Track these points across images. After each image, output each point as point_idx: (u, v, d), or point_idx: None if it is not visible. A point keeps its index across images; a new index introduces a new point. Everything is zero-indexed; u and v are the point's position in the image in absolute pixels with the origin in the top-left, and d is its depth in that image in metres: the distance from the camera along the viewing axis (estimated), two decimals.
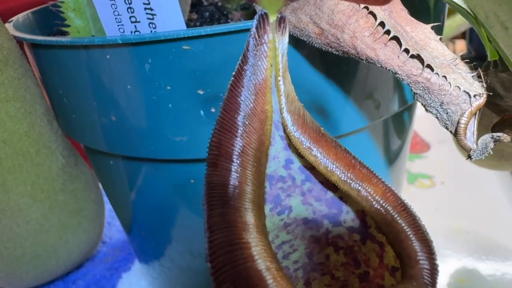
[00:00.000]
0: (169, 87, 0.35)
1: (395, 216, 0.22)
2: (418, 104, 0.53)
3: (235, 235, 0.20)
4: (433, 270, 0.21)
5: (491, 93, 0.39)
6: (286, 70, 0.23)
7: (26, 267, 0.49)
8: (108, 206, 0.68)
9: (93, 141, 0.41)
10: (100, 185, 0.54)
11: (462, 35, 0.90)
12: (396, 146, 0.50)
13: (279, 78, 0.23)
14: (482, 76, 0.28)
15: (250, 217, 0.20)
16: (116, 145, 0.40)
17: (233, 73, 0.23)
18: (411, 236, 0.22)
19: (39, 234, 0.47)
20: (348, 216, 0.26)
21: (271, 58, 0.22)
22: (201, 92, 0.35)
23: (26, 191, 0.42)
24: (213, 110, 0.36)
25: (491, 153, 0.29)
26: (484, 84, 0.28)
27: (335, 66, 0.36)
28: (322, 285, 0.28)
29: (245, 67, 0.22)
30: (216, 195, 0.21)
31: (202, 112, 0.36)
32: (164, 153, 0.39)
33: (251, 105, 0.22)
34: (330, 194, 0.26)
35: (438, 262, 0.60)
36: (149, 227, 0.50)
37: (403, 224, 0.22)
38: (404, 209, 0.23)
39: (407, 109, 0.48)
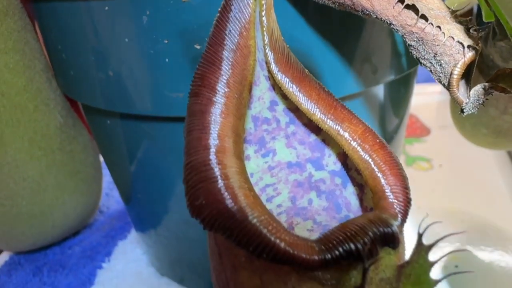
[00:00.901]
0: (166, 41, 0.36)
1: (371, 153, 0.23)
2: (418, 90, 0.53)
3: (210, 156, 0.20)
4: (406, 203, 0.21)
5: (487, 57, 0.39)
6: (271, 7, 0.24)
7: (23, 227, 0.50)
8: (106, 178, 0.69)
9: (91, 98, 0.42)
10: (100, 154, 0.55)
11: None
12: (392, 121, 0.50)
13: (263, 13, 0.23)
14: (476, 29, 0.28)
15: (227, 142, 0.21)
16: (113, 102, 0.41)
17: (219, 8, 0.23)
18: (385, 171, 0.22)
19: (35, 193, 0.47)
20: (330, 159, 0.27)
21: None
22: (198, 47, 0.35)
23: (23, 147, 0.43)
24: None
25: (483, 106, 0.29)
26: (479, 35, 0.28)
27: (333, 26, 0.36)
28: (305, 230, 0.29)
29: (230, 2, 0.23)
30: (195, 121, 0.21)
31: None
32: (160, 110, 0.39)
33: (235, 39, 0.23)
34: (313, 137, 0.27)
35: (432, 241, 0.60)
36: (147, 194, 0.50)
37: (378, 161, 0.23)
38: (381, 147, 0.23)
39: (404, 82, 0.48)
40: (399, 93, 0.49)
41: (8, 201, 0.48)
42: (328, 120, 0.24)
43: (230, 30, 0.23)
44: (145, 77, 0.38)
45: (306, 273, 0.19)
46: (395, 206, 0.21)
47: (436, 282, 0.20)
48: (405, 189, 0.22)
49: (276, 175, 0.28)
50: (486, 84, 0.27)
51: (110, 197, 0.73)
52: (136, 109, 0.40)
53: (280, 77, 0.24)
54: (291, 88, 0.24)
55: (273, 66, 0.24)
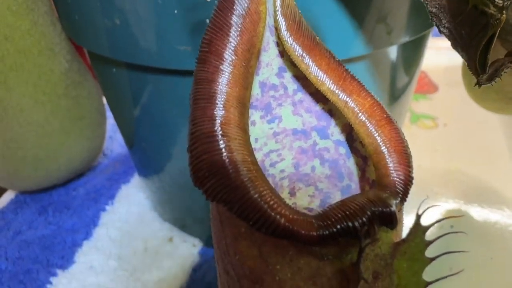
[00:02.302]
0: None
1: (377, 128, 0.23)
2: (428, 45, 0.51)
3: (215, 127, 0.20)
4: (407, 181, 0.21)
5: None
6: None
7: (28, 170, 0.51)
8: (110, 120, 0.69)
9: (96, 45, 0.41)
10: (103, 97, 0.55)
11: None
12: (402, 81, 0.49)
13: None
14: None
15: (233, 113, 0.21)
16: (119, 51, 0.40)
17: None
18: (390, 148, 0.22)
19: (41, 137, 0.48)
20: (335, 129, 0.27)
21: None
22: (208, 0, 0.34)
23: (28, 91, 0.43)
24: None
25: (500, 80, 0.28)
26: (504, 3, 0.27)
27: None
28: (306, 196, 0.29)
29: None
30: (202, 90, 0.21)
31: (207, 21, 0.36)
32: (167, 62, 0.39)
33: (245, 4, 0.22)
34: (320, 106, 0.27)
35: (430, 200, 0.61)
36: (150, 141, 0.51)
37: (383, 137, 0.22)
38: (388, 122, 0.23)
39: (419, 42, 0.47)
40: (412, 54, 0.47)
41: (13, 144, 0.48)
42: (336, 92, 0.24)
43: None
44: (153, 28, 0.37)
45: (304, 248, 0.19)
46: (396, 185, 0.21)
47: (431, 260, 0.21)
48: (408, 167, 0.22)
49: (280, 141, 0.28)
50: (506, 58, 0.27)
51: (114, 140, 0.73)
52: (142, 60, 0.39)
53: (290, 44, 0.23)
54: (300, 56, 0.23)
55: (284, 33, 0.23)
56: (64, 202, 0.61)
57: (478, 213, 0.60)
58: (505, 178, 0.64)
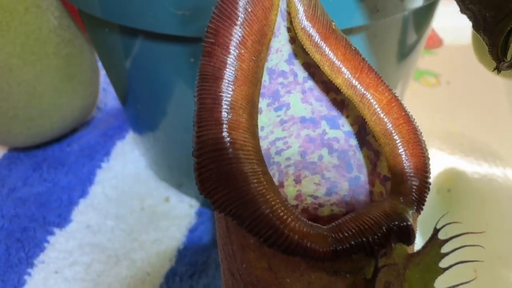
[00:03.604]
0: None
1: (395, 129, 0.21)
2: None
3: (223, 133, 0.18)
4: (423, 189, 0.20)
5: None
6: None
7: (20, 128, 0.49)
8: (103, 71, 0.66)
9: (86, 4, 0.38)
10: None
11: None
12: (412, 41, 0.47)
13: None
14: None
15: (241, 116, 0.19)
16: (112, 12, 0.37)
17: None
18: (407, 151, 0.21)
19: (31, 96, 0.46)
20: (347, 120, 0.25)
21: None
22: None
23: (15, 51, 0.40)
24: None
25: None
26: None
27: None
28: (312, 183, 0.28)
29: None
30: (208, 88, 0.19)
31: None
32: (163, 27, 0.36)
33: None
34: (332, 96, 0.25)
35: (429, 161, 0.60)
36: (144, 101, 0.49)
37: (401, 138, 0.21)
38: (406, 122, 0.21)
39: (432, 4, 0.44)
40: (423, 18, 0.45)
41: (3, 103, 0.46)
42: (352, 85, 0.22)
43: None
44: None
45: (316, 263, 0.18)
46: (413, 193, 0.20)
47: (443, 270, 0.20)
48: (426, 173, 0.21)
49: (287, 129, 0.26)
50: None
51: (108, 92, 0.71)
52: (137, 23, 0.37)
53: (304, 33, 0.21)
54: (314, 46, 0.21)
55: (298, 20, 0.21)
56: (59, 158, 0.60)
57: (476, 174, 0.60)
58: (505, 142, 0.63)
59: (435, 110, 0.69)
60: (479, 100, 0.70)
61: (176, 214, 0.55)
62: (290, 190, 0.28)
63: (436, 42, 0.81)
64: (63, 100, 0.49)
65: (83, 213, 0.54)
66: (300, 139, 0.26)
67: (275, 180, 0.27)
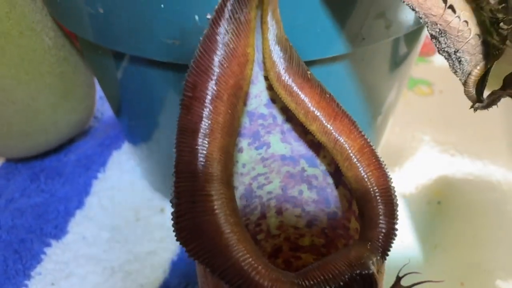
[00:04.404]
0: None
1: (366, 175, 0.22)
2: None
3: (198, 186, 0.20)
4: (390, 235, 0.21)
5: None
6: (276, 9, 0.21)
7: (16, 143, 0.50)
8: None
9: (80, 29, 0.39)
10: None
11: None
12: (402, 57, 0.48)
13: (267, 18, 0.20)
14: (508, 21, 0.26)
15: (215, 168, 0.20)
16: (104, 38, 0.38)
17: (216, 7, 0.20)
18: (377, 197, 0.22)
19: (27, 114, 0.47)
20: (324, 160, 0.26)
21: None
22: None
23: (10, 73, 0.41)
24: (208, 16, 0.33)
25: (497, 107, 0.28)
26: (508, 32, 0.26)
27: None
28: (293, 215, 0.29)
29: (227, 2, 0.20)
30: (185, 141, 0.20)
31: (197, 17, 0.34)
32: (153, 53, 0.37)
33: (231, 45, 0.20)
34: (309, 137, 0.26)
35: (419, 172, 0.61)
36: (137, 115, 0.50)
37: (372, 185, 0.22)
38: (377, 168, 0.22)
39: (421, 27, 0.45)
40: (413, 38, 0.46)
41: None
42: (326, 132, 0.23)
43: (226, 35, 0.20)
44: (138, 20, 0.35)
45: None
46: (379, 240, 0.21)
47: None
48: (393, 220, 0.22)
49: (268, 165, 0.27)
50: (503, 92, 0.26)
51: (104, 101, 0.72)
52: (128, 50, 0.38)
53: (278, 86, 0.22)
54: (290, 96, 0.22)
55: (271, 76, 0.22)
56: (56, 168, 0.61)
57: (467, 186, 0.60)
58: (498, 152, 0.64)
59: (428, 120, 0.69)
60: (472, 110, 0.70)
61: (171, 225, 0.56)
62: (272, 221, 0.29)
63: (430, 50, 0.82)
64: (58, 116, 0.50)
65: (79, 224, 0.56)
66: (281, 175, 0.27)
67: (258, 212, 0.29)
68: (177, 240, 0.20)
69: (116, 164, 0.63)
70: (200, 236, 0.19)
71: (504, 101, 0.76)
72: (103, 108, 0.71)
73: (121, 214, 0.57)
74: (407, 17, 0.38)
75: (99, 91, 0.71)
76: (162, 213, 0.58)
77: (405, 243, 0.53)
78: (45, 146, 0.57)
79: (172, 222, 0.20)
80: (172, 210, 0.20)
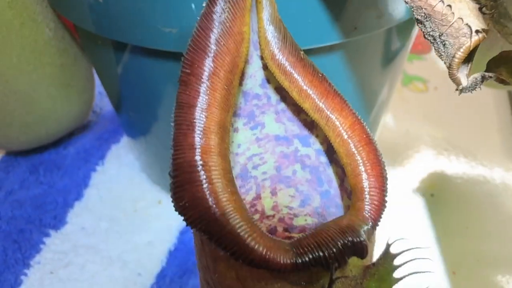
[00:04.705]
0: None
1: (356, 150, 0.23)
2: None
3: (196, 156, 0.20)
4: (380, 206, 0.22)
5: (498, 23, 0.38)
6: None
7: (17, 133, 0.51)
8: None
9: (80, 20, 0.40)
10: None
11: None
12: (395, 50, 0.49)
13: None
14: (489, 7, 0.27)
15: (213, 140, 0.21)
16: (104, 28, 0.39)
17: None
18: (368, 170, 0.23)
19: (27, 104, 0.48)
20: (317, 139, 0.27)
21: None
22: None
23: (12, 63, 0.42)
24: (204, 4, 0.34)
25: (480, 89, 0.29)
26: (489, 17, 0.27)
27: None
28: (287, 195, 0.30)
29: None
30: (183, 115, 0.21)
31: (193, 6, 0.35)
32: (152, 42, 0.38)
33: (228, 24, 0.21)
34: (303, 117, 0.27)
35: (413, 167, 0.61)
36: (136, 108, 0.51)
37: (362, 159, 0.23)
38: (367, 143, 0.23)
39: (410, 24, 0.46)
40: (405, 30, 0.47)
41: (0, 111, 0.48)
42: (318, 109, 0.24)
43: (222, 14, 0.21)
44: (137, 8, 0.36)
45: (279, 274, 0.20)
46: (370, 210, 0.22)
47: (398, 280, 0.22)
48: (383, 191, 0.23)
49: (263, 146, 0.28)
50: (486, 74, 0.27)
51: (104, 96, 0.73)
52: (127, 39, 0.39)
53: (272, 64, 0.23)
54: (283, 74, 0.23)
55: (266, 53, 0.23)
56: (55, 161, 0.62)
57: (460, 180, 0.61)
58: (491, 147, 0.65)
59: (422, 116, 0.71)
60: (466, 107, 0.72)
61: (168, 216, 0.57)
62: (267, 202, 0.30)
63: (426, 48, 0.83)
64: (58, 107, 0.51)
65: (78, 215, 0.57)
66: (275, 155, 0.28)
67: (253, 192, 0.29)
68: (176, 209, 0.21)
69: (115, 158, 0.64)
70: (198, 205, 0.20)
71: (497, 97, 0.78)
72: (102, 103, 0.71)
73: (120, 205, 0.58)
74: (398, 8, 0.39)
75: (98, 86, 0.72)
76: (160, 204, 0.59)
77: (398, 235, 0.54)
78: (44, 139, 0.57)
79: (170, 198, 0.21)
80: (170, 181, 0.21)
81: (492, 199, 0.59)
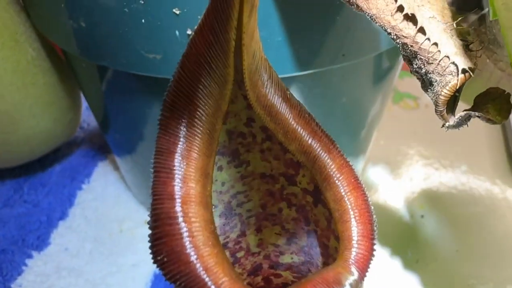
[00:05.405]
0: (142, 1, 0.32)
1: (345, 195, 0.22)
2: None
3: (176, 207, 0.19)
4: (368, 256, 0.21)
5: (487, 50, 0.37)
6: (255, 28, 0.21)
7: None
8: None
9: (64, 43, 0.39)
10: None
11: None
12: (385, 71, 0.48)
13: (246, 39, 0.20)
14: (477, 44, 0.26)
15: (193, 189, 0.20)
16: (87, 52, 0.38)
17: (195, 27, 0.21)
18: (356, 217, 0.22)
19: (10, 124, 0.46)
20: (304, 179, 0.26)
21: (234, 19, 0.19)
22: (177, 12, 0.32)
23: None
24: (189, 32, 0.34)
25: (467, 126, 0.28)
26: (476, 55, 0.26)
27: None
28: (273, 233, 0.29)
29: (205, 22, 0.20)
30: (163, 162, 0.20)
31: (177, 33, 0.34)
32: (136, 68, 0.37)
33: (211, 66, 0.20)
34: (289, 156, 0.26)
35: (403, 186, 0.61)
36: (122, 128, 0.50)
37: (350, 205, 0.22)
38: (355, 188, 0.22)
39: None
40: (395, 54, 0.46)
41: None
42: (305, 151, 0.23)
43: (206, 58, 0.20)
44: (119, 35, 0.35)
45: None
46: (357, 260, 0.21)
47: None
48: (371, 240, 0.22)
49: (248, 183, 0.27)
50: (472, 112, 0.26)
51: (91, 112, 0.72)
52: (111, 64, 0.38)
53: (257, 105, 0.22)
54: (268, 116, 0.22)
55: (251, 96, 0.22)
56: (40, 178, 0.61)
57: (449, 200, 0.61)
58: (482, 167, 0.65)
59: (413, 134, 0.70)
60: None
61: None
62: (252, 239, 0.29)
63: None
64: (42, 127, 0.50)
65: (62, 236, 0.55)
66: (260, 193, 0.28)
67: (237, 229, 0.29)
68: (154, 263, 0.20)
69: (101, 175, 0.62)
70: (177, 260, 0.19)
71: None
72: (90, 119, 0.70)
73: (105, 225, 0.57)
74: (387, 35, 0.38)
75: (85, 101, 0.71)
76: (146, 225, 0.57)
77: (387, 256, 0.54)
78: (29, 157, 0.56)
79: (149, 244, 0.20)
80: (149, 232, 0.20)
81: (483, 220, 0.59)
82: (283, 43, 0.34)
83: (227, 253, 0.29)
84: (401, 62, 0.51)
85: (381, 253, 0.54)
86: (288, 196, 0.27)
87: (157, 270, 0.53)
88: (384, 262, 0.53)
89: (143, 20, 0.33)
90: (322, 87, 0.41)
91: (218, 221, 0.27)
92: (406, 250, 0.55)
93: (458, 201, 0.61)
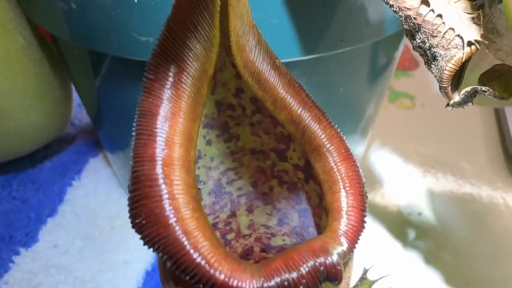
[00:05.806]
0: None
1: (335, 166, 0.21)
2: None
3: (156, 169, 0.19)
4: (358, 227, 0.20)
5: (486, 39, 0.37)
6: None
7: None
8: None
9: (55, 28, 0.39)
10: None
11: None
12: (382, 64, 0.48)
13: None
14: (481, 17, 0.25)
15: (176, 152, 0.19)
16: (79, 36, 0.37)
17: None
18: (346, 188, 0.21)
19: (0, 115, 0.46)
20: (295, 153, 0.25)
21: None
22: None
23: None
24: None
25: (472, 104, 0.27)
26: (481, 28, 0.26)
27: None
28: (264, 213, 0.28)
29: None
30: (144, 124, 0.19)
31: None
32: (128, 51, 0.36)
33: (196, 27, 0.20)
34: (279, 129, 0.25)
35: (399, 184, 0.60)
36: (114, 120, 0.49)
37: (340, 176, 0.21)
38: (346, 158, 0.22)
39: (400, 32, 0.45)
40: (392, 44, 0.46)
41: None
42: (294, 121, 0.22)
43: (191, 19, 0.20)
44: (111, 16, 0.34)
45: None
46: (346, 231, 0.20)
47: None
48: (362, 211, 0.21)
49: (238, 159, 0.26)
50: (479, 87, 0.25)
51: (82, 108, 0.71)
52: (103, 48, 0.37)
53: (246, 72, 0.21)
54: (257, 84, 0.22)
55: (239, 61, 0.21)
56: (30, 175, 0.60)
57: (446, 198, 0.60)
58: (478, 165, 0.64)
59: (409, 133, 0.69)
60: (453, 124, 0.71)
61: None
62: (243, 220, 0.28)
63: (412, 65, 0.82)
64: (32, 120, 0.49)
65: (51, 233, 0.54)
66: (251, 170, 0.27)
67: (227, 209, 0.28)
68: (132, 226, 0.19)
69: (92, 172, 0.61)
70: (155, 223, 0.18)
71: (484, 114, 0.77)
72: (81, 115, 0.69)
73: (96, 222, 0.56)
74: (386, 20, 0.38)
75: (77, 99, 0.70)
76: None
77: (384, 255, 0.52)
78: (19, 151, 0.55)
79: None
80: (128, 196, 0.19)
81: (480, 218, 0.58)
82: (279, 26, 0.33)
83: (217, 235, 0.28)
84: (398, 55, 0.50)
85: (377, 250, 0.52)
86: (279, 173, 0.26)
87: (149, 268, 0.51)
88: (381, 260, 0.52)
89: (135, 0, 0.33)
90: (320, 75, 0.40)
91: (207, 199, 0.26)
92: (403, 248, 0.54)
93: (455, 199, 0.60)
